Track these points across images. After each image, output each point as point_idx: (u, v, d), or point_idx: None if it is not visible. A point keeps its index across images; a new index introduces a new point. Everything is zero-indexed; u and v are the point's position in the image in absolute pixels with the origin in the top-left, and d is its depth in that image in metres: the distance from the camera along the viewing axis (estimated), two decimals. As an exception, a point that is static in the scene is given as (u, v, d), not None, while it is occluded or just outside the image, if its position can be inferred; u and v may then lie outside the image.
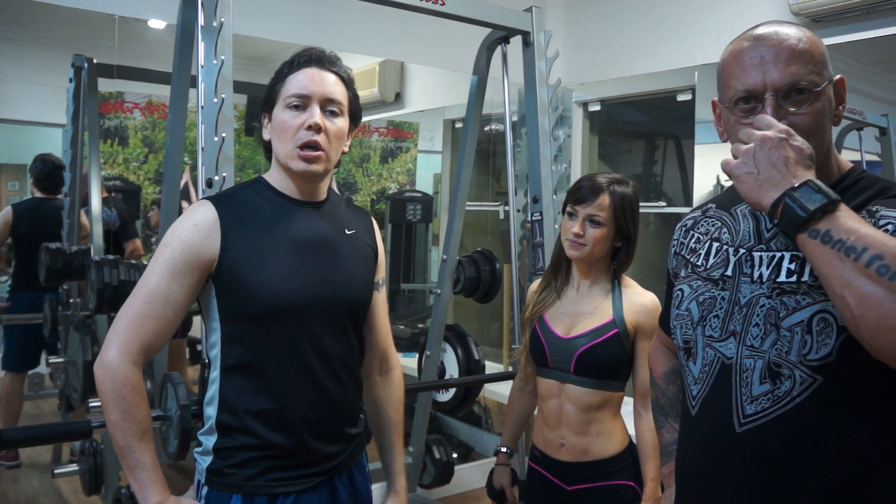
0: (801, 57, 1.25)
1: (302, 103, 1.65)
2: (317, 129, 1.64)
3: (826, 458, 1.25)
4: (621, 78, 4.23)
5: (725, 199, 1.51)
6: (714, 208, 1.52)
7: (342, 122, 1.70)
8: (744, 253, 1.37)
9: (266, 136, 1.73)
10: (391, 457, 1.97)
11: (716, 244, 1.44)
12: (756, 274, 1.33)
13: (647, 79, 4.12)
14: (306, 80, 1.66)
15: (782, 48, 1.26)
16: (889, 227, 1.20)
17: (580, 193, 2.16)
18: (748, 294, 1.33)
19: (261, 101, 1.75)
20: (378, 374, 1.98)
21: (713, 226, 1.48)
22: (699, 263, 1.46)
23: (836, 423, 1.24)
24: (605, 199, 2.14)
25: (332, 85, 1.68)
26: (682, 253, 1.54)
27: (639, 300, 2.18)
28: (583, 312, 2.19)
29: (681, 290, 1.48)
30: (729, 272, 1.38)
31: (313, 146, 1.64)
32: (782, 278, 1.29)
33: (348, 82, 1.74)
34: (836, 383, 1.23)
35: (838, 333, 1.21)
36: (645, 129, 4.86)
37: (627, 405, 2.21)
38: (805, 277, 1.26)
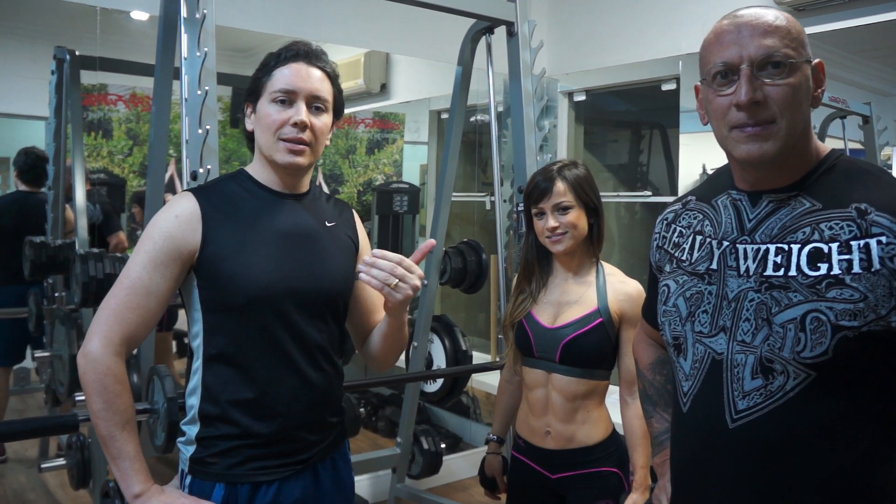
0: (777, 31, 1.27)
1: (288, 99, 1.66)
2: (303, 126, 1.65)
3: (820, 450, 1.25)
4: (606, 68, 4.24)
5: (705, 191, 1.51)
6: (694, 200, 1.52)
7: (327, 119, 1.72)
8: (727, 245, 1.37)
9: (249, 126, 1.74)
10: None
11: (699, 237, 1.44)
12: (742, 267, 1.33)
13: (631, 68, 4.13)
14: (293, 75, 1.67)
15: (759, 23, 1.28)
16: (882, 238, 1.20)
17: (537, 190, 2.20)
18: (735, 288, 1.33)
19: (244, 92, 1.76)
20: None
21: (695, 218, 1.48)
22: (684, 258, 1.46)
23: (831, 416, 1.24)
24: (560, 184, 2.18)
25: (318, 81, 1.69)
26: (665, 247, 1.54)
27: (623, 289, 2.19)
28: (567, 302, 2.21)
29: (667, 285, 1.48)
30: (714, 265, 1.38)
31: (299, 141, 1.66)
32: (769, 272, 1.29)
33: (334, 78, 1.75)
34: (831, 378, 1.23)
35: (833, 332, 1.20)
36: (630, 119, 4.88)
37: (612, 394, 2.22)
38: (792, 272, 1.26)
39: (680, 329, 1.42)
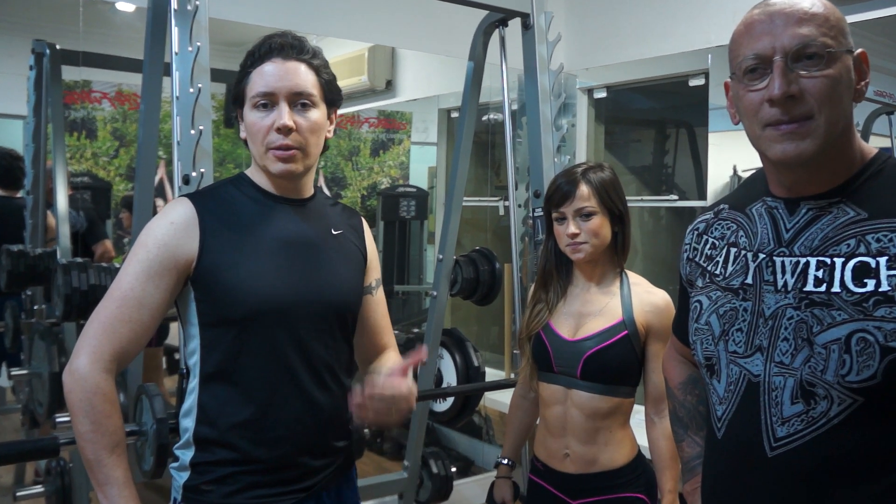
0: (814, 19, 1.25)
1: (269, 102, 1.65)
2: (286, 130, 1.64)
3: (866, 480, 1.23)
4: (629, 62, 4.24)
5: (739, 199, 1.50)
6: (727, 209, 1.51)
7: (316, 114, 1.70)
8: (764, 258, 1.36)
9: (242, 135, 1.74)
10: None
11: (733, 250, 1.43)
12: (780, 282, 1.32)
13: (656, 63, 4.12)
14: (269, 75, 1.66)
15: (793, 11, 1.26)
16: None
17: (559, 193, 2.20)
18: (773, 305, 1.32)
19: (230, 99, 1.76)
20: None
21: (728, 229, 1.47)
22: (717, 272, 1.45)
23: (879, 444, 1.22)
24: (584, 188, 2.17)
25: (298, 76, 1.67)
26: (697, 260, 1.53)
27: (649, 299, 2.19)
28: (590, 313, 2.20)
29: (699, 301, 1.47)
30: (749, 280, 1.37)
31: (286, 147, 1.65)
32: (810, 287, 1.27)
33: (319, 67, 1.73)
34: (880, 403, 1.21)
35: (882, 354, 1.18)
36: (654, 117, 4.87)
37: (637, 414, 2.22)
38: (836, 288, 1.24)
39: (713, 349, 1.41)
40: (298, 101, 1.67)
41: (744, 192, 1.50)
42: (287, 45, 1.69)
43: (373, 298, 1.92)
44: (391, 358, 1.92)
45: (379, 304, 1.95)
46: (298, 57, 1.69)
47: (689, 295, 1.54)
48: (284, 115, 1.64)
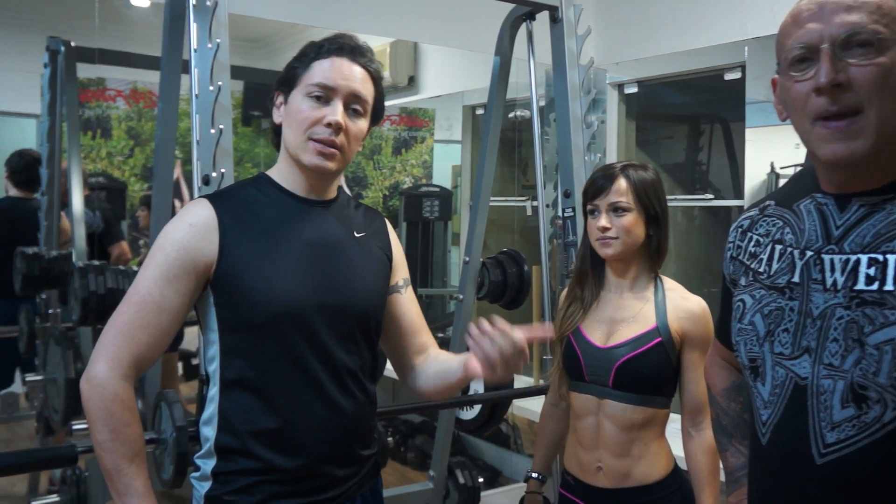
0: (864, 6, 1.24)
1: (325, 95, 1.67)
2: (337, 128, 1.65)
3: None
4: (661, 56, 4.21)
5: (786, 195, 1.48)
6: (773, 205, 1.49)
7: (364, 123, 1.73)
8: (811, 255, 1.34)
9: (277, 119, 1.75)
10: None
11: (779, 247, 1.42)
12: (829, 280, 1.30)
13: (690, 56, 4.09)
14: (333, 70, 1.68)
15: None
16: None
17: (595, 186, 2.19)
18: (821, 304, 1.30)
19: (277, 80, 1.77)
20: (421, 359, 1.95)
21: (774, 226, 1.45)
22: (761, 270, 1.44)
23: None
24: (621, 182, 2.15)
25: (360, 81, 1.70)
26: (741, 258, 1.51)
27: (685, 305, 2.17)
28: (623, 319, 2.18)
29: (742, 300, 1.46)
30: (796, 278, 1.36)
31: (330, 144, 1.66)
32: (861, 286, 1.26)
33: (377, 79, 1.76)
34: None
35: None
36: (688, 113, 4.85)
37: (673, 423, 2.20)
38: (889, 286, 1.23)
39: (757, 350, 1.39)
40: (353, 104, 1.69)
41: (791, 188, 1.48)
42: (357, 49, 1.72)
43: (402, 297, 1.92)
44: (447, 354, 1.89)
45: (411, 302, 1.94)
46: (364, 63, 1.72)
47: (732, 295, 1.52)
48: (338, 113, 1.66)
